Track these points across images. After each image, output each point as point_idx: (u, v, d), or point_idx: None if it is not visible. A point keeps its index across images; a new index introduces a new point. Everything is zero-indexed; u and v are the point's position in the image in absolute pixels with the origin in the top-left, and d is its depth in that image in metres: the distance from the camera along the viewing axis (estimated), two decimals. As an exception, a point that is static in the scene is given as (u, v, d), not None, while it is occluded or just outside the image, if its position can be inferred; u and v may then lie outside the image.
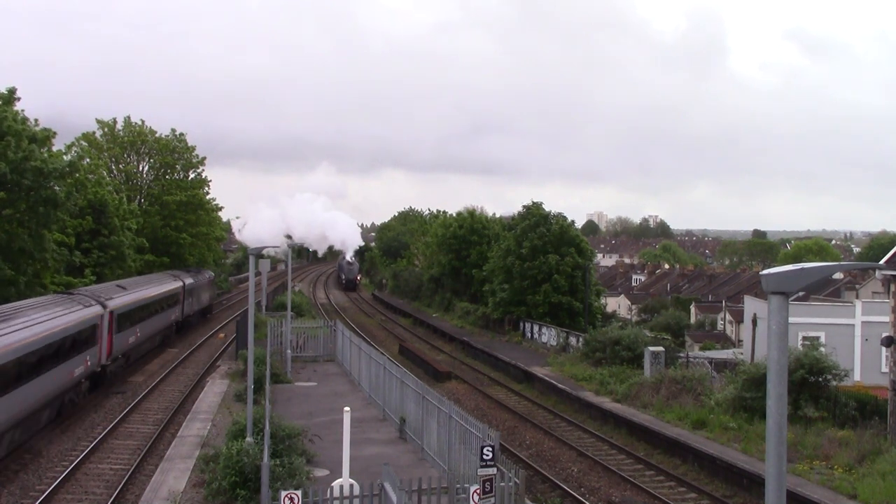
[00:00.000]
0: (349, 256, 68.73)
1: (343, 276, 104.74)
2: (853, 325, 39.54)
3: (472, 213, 68.39)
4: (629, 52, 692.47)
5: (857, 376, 37.09)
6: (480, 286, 59.04)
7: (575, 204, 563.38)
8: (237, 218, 50.54)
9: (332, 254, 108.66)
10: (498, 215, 74.31)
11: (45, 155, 30.43)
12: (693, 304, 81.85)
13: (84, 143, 51.30)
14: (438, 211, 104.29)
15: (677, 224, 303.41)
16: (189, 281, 49.38)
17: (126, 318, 33.99)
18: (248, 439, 18.39)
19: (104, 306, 30.86)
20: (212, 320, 59.14)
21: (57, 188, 30.91)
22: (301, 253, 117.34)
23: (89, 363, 29.08)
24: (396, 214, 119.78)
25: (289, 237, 37.39)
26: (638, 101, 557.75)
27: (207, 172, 60.13)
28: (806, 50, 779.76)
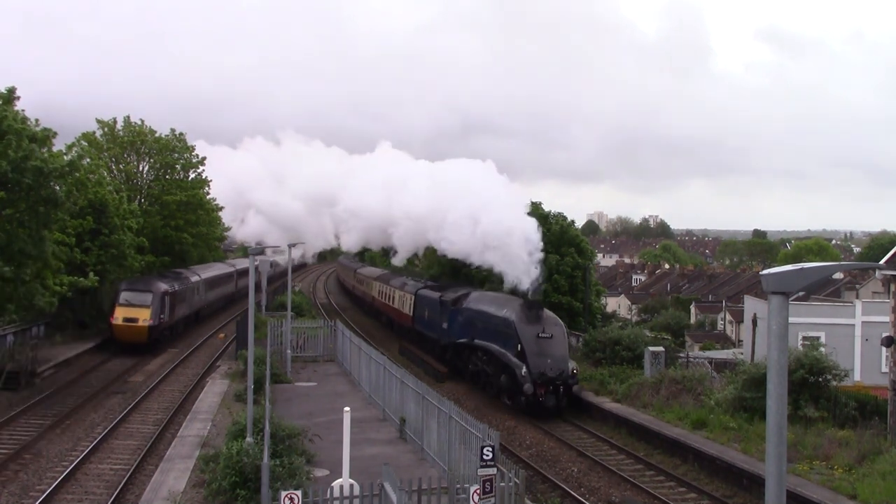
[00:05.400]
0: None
1: (522, 384, 30.41)
2: (853, 325, 39.62)
3: (472, 213, 68.12)
4: (613, 52, 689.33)
5: (857, 376, 37.16)
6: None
7: (570, 204, 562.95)
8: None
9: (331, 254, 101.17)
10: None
11: (46, 154, 30.34)
12: (693, 304, 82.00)
13: (84, 143, 51.24)
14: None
15: (677, 224, 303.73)
16: (239, 267, 67.65)
17: (209, 284, 56.43)
18: (248, 439, 18.36)
19: (199, 277, 53.19)
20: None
21: (57, 188, 30.83)
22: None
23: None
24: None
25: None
26: (625, 102, 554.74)
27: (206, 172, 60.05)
28: (781, 49, 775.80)
